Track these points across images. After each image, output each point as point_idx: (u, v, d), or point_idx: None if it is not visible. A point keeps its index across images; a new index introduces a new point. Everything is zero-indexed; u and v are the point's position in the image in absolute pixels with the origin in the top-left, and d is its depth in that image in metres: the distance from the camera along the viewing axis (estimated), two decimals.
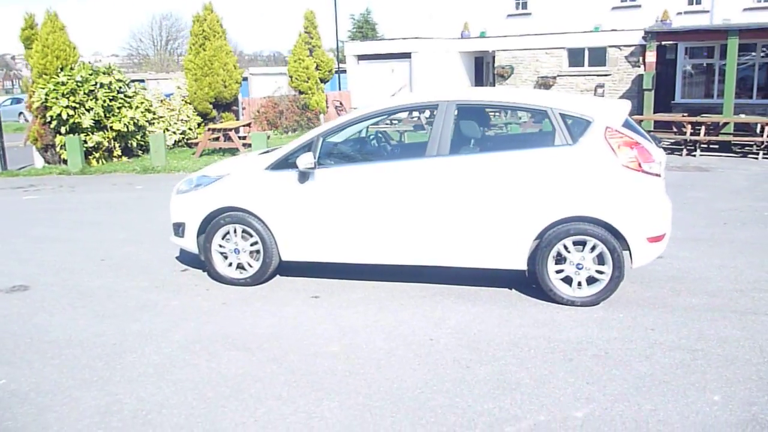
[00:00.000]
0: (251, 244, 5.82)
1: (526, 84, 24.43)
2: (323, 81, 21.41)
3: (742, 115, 16.13)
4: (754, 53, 18.95)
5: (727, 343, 4.47)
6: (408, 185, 5.38)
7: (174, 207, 6.22)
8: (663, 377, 4.01)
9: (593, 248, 5.13)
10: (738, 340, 4.51)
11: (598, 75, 22.95)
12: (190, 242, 6.05)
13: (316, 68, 20.66)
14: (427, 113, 10.18)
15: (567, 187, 5.11)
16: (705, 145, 15.09)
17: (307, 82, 20.08)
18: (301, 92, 20.24)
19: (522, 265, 5.31)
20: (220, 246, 5.90)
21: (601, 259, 5.15)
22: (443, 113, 5.41)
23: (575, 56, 23.37)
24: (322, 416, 3.63)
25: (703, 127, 14.94)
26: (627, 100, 5.46)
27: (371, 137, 6.17)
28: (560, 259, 5.22)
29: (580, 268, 5.18)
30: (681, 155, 14.57)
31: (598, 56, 22.85)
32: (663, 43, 20.99)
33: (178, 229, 6.14)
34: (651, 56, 17.02)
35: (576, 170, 5.12)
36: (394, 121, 15.45)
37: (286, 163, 5.71)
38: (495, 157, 5.31)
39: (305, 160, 5.47)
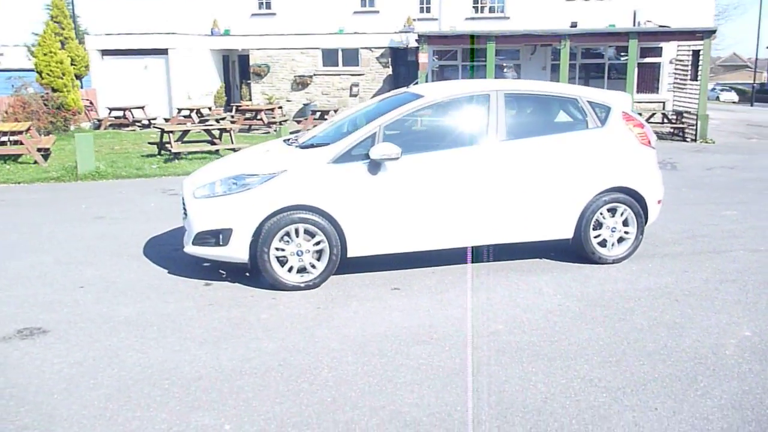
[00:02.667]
0: (314, 244, 5.47)
1: (283, 83, 24.89)
2: (78, 77, 18.83)
3: None
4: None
5: (743, 273, 5.88)
6: (474, 170, 5.70)
7: (207, 212, 5.44)
8: (747, 302, 5.19)
9: (621, 213, 6.13)
10: (746, 271, 5.95)
11: (352, 74, 24.57)
12: (237, 250, 5.38)
13: (72, 63, 18.10)
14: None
15: (604, 162, 6.02)
16: None
17: (62, 78, 17.51)
18: (54, 90, 17.56)
19: (570, 234, 6.07)
20: (277, 249, 5.40)
21: (625, 222, 6.18)
22: (495, 102, 5.85)
23: (330, 56, 24.62)
24: (604, 379, 3.92)
25: None
26: (627, 93, 6.57)
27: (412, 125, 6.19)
28: (597, 225, 6.11)
29: (613, 231, 6.14)
30: None
31: (352, 57, 24.46)
32: (411, 46, 23.46)
33: (217, 237, 5.41)
34: (424, 57, 19.02)
35: (608, 148, 6.06)
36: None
37: (350, 155, 5.51)
38: (546, 140, 5.95)
39: (385, 150, 5.38)
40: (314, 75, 24.62)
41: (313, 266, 5.50)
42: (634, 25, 21.98)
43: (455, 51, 23.07)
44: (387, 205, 5.53)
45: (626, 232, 6.18)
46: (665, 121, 19.07)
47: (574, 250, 6.21)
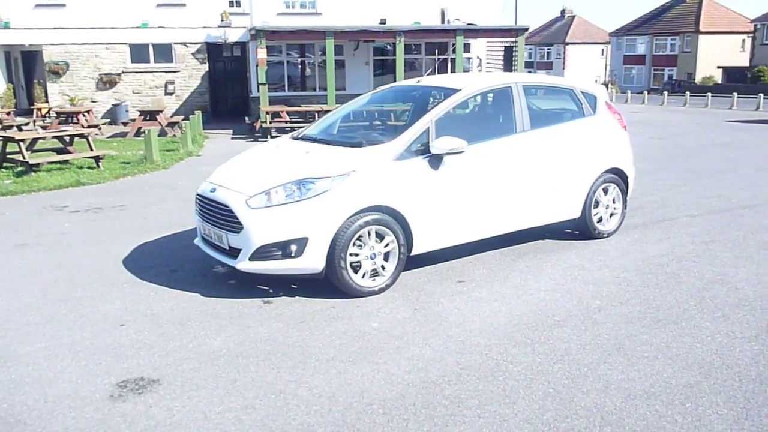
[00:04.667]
0: (384, 246, 5.26)
1: (86, 81, 22.30)
2: None
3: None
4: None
5: (709, 235, 6.95)
6: (514, 158, 5.95)
7: (272, 223, 4.91)
8: (743, 256, 6.16)
9: (611, 191, 6.83)
10: (709, 233, 7.03)
11: (166, 71, 22.88)
12: (312, 261, 4.96)
13: None
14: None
15: (601, 146, 6.66)
16: None
17: None
18: None
19: (578, 213, 6.60)
20: (350, 255, 5.10)
21: (613, 200, 6.89)
22: (517, 94, 6.13)
23: (139, 52, 22.62)
24: (736, 331, 4.45)
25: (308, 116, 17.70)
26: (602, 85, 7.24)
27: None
28: (595, 204, 6.72)
29: (607, 208, 6.82)
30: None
31: (165, 52, 22.76)
32: (230, 41, 22.53)
33: (285, 248, 4.92)
34: (262, 53, 18.42)
35: (602, 133, 6.71)
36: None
37: (410, 151, 5.39)
38: (561, 127, 6.39)
39: (452, 144, 5.35)
40: (123, 72, 22.43)
41: (384, 268, 5.29)
42: (443, 22, 23.64)
43: (279, 47, 22.70)
44: (448, 198, 5.52)
45: (615, 208, 6.90)
46: None
47: (578, 228, 6.77)
